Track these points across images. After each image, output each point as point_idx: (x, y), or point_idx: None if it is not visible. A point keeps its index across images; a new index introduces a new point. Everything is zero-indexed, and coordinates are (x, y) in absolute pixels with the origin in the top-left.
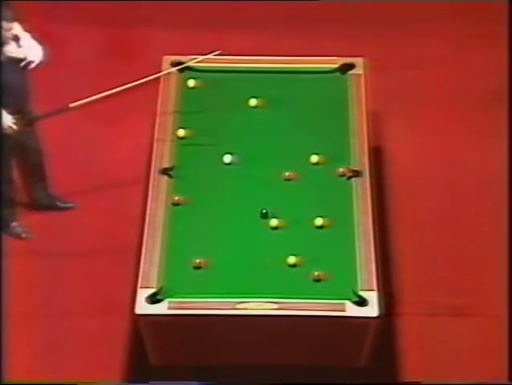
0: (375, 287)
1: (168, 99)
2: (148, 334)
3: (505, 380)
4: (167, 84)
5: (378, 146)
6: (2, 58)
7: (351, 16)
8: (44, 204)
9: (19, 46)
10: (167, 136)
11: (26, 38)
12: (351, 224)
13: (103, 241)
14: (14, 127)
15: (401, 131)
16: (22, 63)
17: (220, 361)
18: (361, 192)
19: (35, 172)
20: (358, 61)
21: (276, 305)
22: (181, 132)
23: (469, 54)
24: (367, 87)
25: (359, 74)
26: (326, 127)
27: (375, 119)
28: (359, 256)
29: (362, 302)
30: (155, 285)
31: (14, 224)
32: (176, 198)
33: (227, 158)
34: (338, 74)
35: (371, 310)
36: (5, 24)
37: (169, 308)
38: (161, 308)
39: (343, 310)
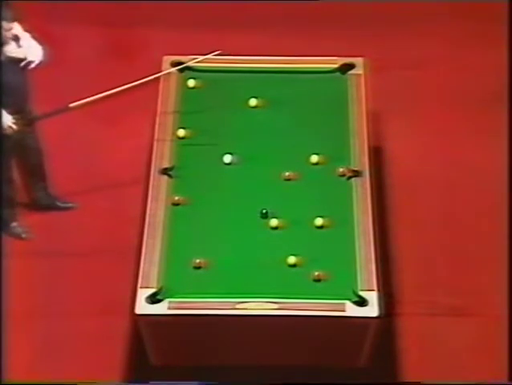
0: (375, 287)
1: (168, 99)
2: (148, 334)
3: (505, 380)
4: (167, 84)
5: (378, 146)
6: (2, 58)
7: (351, 16)
8: (44, 204)
9: (19, 46)
10: (167, 136)
11: (26, 38)
12: (351, 224)
13: (103, 241)
14: (14, 127)
15: (401, 131)
16: (22, 63)
17: (220, 361)
18: (361, 192)
19: (35, 172)
20: (358, 61)
21: (276, 305)
22: (181, 132)
23: (469, 54)
24: (367, 87)
25: (359, 74)
26: (326, 127)
27: (375, 119)
28: (359, 256)
29: (362, 302)
30: (155, 285)
31: (14, 224)
32: (176, 198)
33: (227, 158)
34: (338, 74)
35: (371, 310)
36: (5, 24)
37: (169, 308)
38: (161, 308)
39: (343, 310)
